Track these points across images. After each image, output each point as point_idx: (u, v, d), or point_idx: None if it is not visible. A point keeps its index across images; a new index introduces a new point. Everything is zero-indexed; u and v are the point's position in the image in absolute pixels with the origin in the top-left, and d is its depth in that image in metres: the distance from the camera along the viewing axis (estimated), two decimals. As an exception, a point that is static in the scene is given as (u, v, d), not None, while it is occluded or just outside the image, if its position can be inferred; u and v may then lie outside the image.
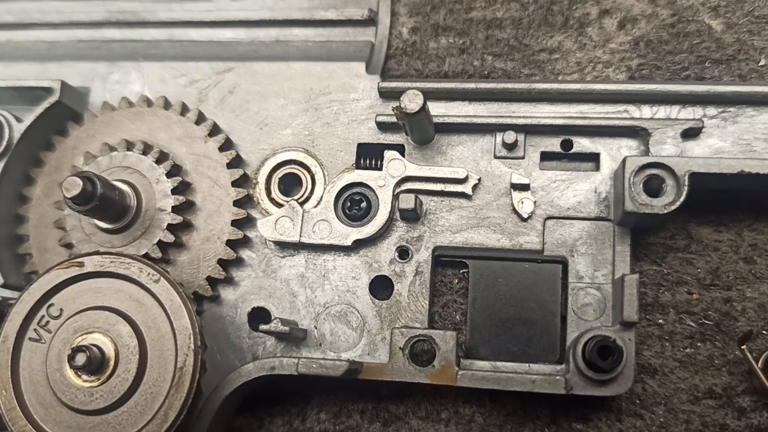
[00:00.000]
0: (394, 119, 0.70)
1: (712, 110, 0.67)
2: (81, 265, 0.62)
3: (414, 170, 0.68)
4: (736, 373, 0.65)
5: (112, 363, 0.59)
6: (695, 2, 0.74)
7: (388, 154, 0.69)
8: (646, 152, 0.66)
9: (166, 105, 0.73)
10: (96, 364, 0.59)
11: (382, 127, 0.71)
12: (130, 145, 0.70)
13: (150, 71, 0.77)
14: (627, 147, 0.68)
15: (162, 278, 0.61)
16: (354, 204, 0.69)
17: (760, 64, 0.72)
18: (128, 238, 0.68)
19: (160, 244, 0.68)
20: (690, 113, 0.67)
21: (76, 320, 0.61)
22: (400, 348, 0.65)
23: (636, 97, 0.67)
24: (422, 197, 0.69)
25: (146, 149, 0.70)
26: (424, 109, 0.63)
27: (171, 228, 0.68)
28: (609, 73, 0.73)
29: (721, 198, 0.68)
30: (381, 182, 0.69)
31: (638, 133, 0.67)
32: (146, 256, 0.67)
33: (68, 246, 0.69)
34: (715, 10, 0.74)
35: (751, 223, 0.68)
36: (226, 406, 0.66)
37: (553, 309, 0.67)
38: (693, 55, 0.73)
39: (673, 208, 0.61)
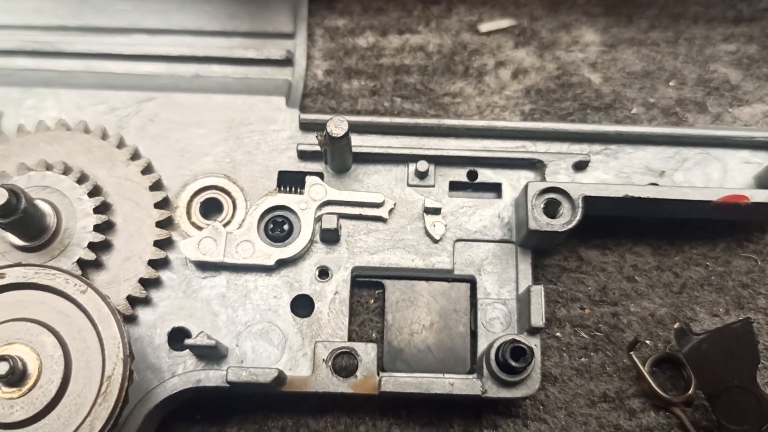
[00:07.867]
0: (314, 148, 0.74)
1: (596, 147, 0.76)
2: (1, 276, 0.61)
3: (334, 194, 0.73)
4: (625, 378, 0.72)
5: (34, 374, 0.58)
6: (576, 59, 0.85)
7: (310, 179, 0.73)
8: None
9: (86, 130, 0.74)
10: (18, 375, 0.57)
11: (303, 155, 0.75)
12: (48, 166, 0.70)
13: (67, 98, 0.77)
14: (525, 178, 0.75)
15: (89, 289, 0.61)
16: (277, 226, 0.72)
17: (632, 112, 0.83)
18: (46, 257, 0.67)
19: (80, 263, 0.67)
20: (578, 149, 0.76)
21: (-5, 332, 0.59)
22: (323, 360, 0.67)
23: (532, 135, 0.76)
24: (342, 221, 0.73)
25: (66, 170, 0.70)
26: (348, 134, 0.68)
27: (92, 247, 0.68)
28: (505, 116, 0.82)
29: (606, 225, 0.76)
30: (303, 205, 0.72)
31: (535, 165, 0.75)
32: (65, 274, 0.67)
33: (-20, 264, 0.67)
34: (593, 65, 0.85)
35: (631, 246, 0.77)
36: (147, 425, 0.65)
37: (464, 324, 0.72)
38: (576, 102, 0.83)
39: (570, 227, 0.69)
